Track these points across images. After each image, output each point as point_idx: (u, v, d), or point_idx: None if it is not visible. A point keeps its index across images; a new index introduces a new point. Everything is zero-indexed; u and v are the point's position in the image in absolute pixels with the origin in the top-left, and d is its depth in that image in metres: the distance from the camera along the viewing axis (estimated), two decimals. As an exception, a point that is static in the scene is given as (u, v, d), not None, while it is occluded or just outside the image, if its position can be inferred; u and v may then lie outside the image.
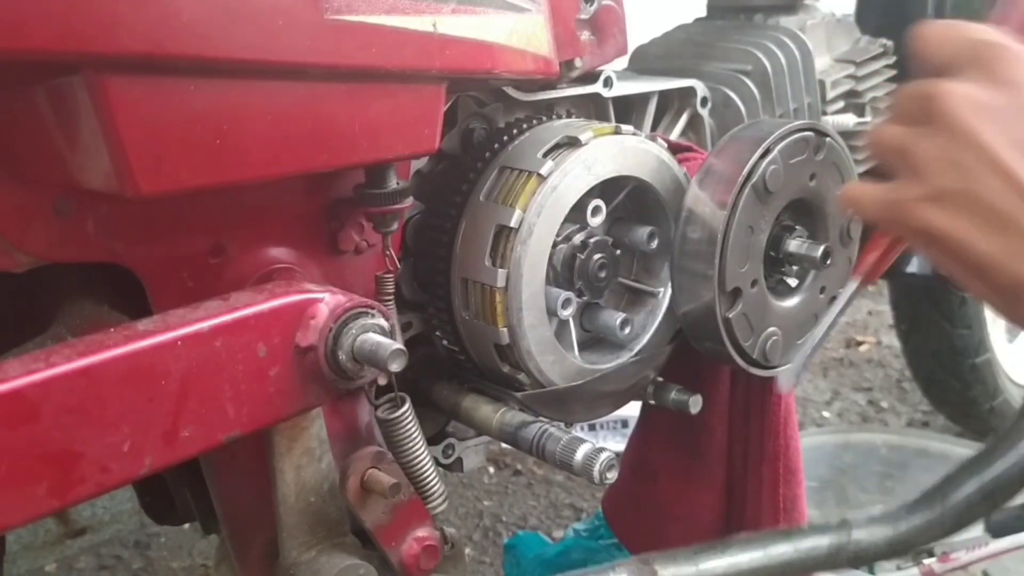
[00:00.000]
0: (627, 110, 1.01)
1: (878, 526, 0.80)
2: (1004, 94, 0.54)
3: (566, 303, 0.81)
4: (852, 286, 0.76)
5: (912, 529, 0.79)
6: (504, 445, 0.85)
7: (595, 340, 0.89)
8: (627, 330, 0.86)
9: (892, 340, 2.23)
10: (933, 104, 0.55)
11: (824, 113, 1.21)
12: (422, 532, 0.71)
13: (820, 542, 0.81)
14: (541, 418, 0.78)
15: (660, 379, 0.89)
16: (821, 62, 1.22)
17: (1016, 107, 0.54)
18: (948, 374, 1.76)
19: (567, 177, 0.78)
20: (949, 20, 0.60)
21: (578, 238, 0.82)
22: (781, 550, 0.80)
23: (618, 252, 0.85)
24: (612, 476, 0.71)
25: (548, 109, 0.89)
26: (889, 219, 0.61)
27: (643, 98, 1.01)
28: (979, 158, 0.53)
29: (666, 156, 0.85)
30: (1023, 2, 0.65)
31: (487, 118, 0.86)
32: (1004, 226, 0.53)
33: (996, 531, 1.32)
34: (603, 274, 0.83)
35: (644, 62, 1.20)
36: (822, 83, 1.20)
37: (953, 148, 0.54)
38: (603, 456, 0.71)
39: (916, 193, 0.57)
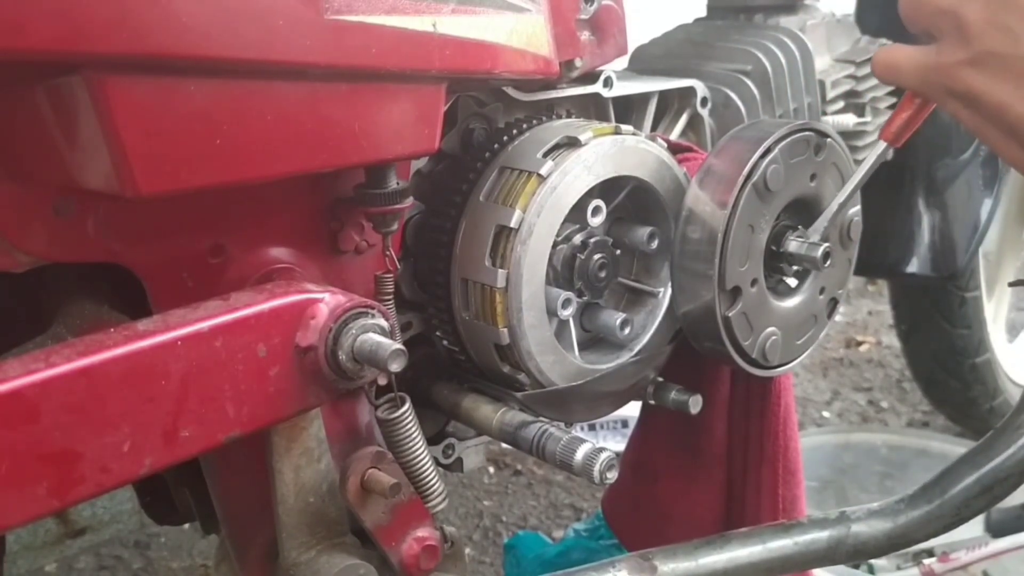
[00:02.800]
0: (627, 110, 1.01)
1: (877, 520, 0.81)
2: None
3: (566, 303, 0.81)
4: (879, 148, 0.77)
5: (911, 523, 0.79)
6: (504, 445, 0.85)
7: (595, 340, 0.89)
8: (627, 330, 0.86)
9: (892, 340, 2.23)
10: None
11: (824, 113, 1.21)
12: (422, 532, 0.71)
13: (819, 536, 0.81)
14: (541, 418, 0.77)
15: (660, 379, 0.89)
16: (821, 62, 1.21)
17: None
18: (948, 374, 1.76)
19: (567, 177, 0.78)
20: None
21: (578, 238, 0.82)
22: (780, 544, 0.80)
23: (618, 252, 0.85)
24: (612, 476, 0.71)
25: (548, 109, 0.89)
26: (930, 83, 0.60)
27: (643, 98, 1.01)
28: None
29: (666, 156, 0.85)
30: None
31: (487, 118, 0.86)
32: None
33: (996, 531, 1.33)
34: (603, 274, 0.83)
35: (644, 62, 1.20)
36: (822, 83, 1.20)
37: (1003, 12, 0.55)
38: (603, 456, 0.71)
39: (960, 56, 0.57)
